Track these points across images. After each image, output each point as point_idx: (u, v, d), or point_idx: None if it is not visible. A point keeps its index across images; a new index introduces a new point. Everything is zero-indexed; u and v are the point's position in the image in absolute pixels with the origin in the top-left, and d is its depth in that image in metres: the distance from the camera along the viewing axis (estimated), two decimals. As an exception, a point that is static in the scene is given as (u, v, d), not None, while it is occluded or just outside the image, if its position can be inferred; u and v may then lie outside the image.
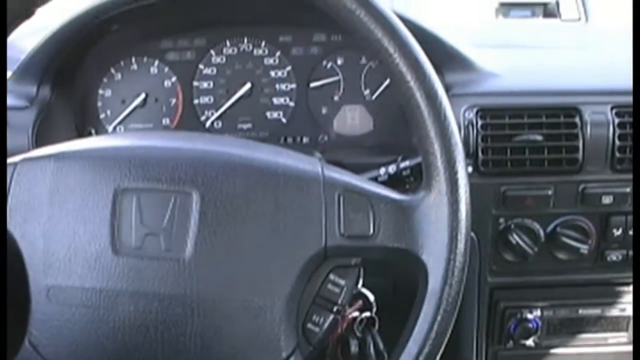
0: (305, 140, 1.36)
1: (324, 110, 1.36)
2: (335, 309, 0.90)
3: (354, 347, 1.07)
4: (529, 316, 1.34)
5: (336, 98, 1.36)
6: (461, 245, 0.84)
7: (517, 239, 1.25)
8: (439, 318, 0.84)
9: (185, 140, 0.91)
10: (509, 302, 1.34)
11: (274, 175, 0.86)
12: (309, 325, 0.90)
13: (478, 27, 1.52)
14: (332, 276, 0.90)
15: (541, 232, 1.26)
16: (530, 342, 1.36)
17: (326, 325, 0.90)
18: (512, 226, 1.26)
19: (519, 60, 1.33)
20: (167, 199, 0.85)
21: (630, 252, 1.30)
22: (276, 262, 0.84)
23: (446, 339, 0.86)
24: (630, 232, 1.27)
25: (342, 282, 0.90)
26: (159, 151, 0.88)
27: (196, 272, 0.83)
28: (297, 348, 0.86)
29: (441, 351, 0.85)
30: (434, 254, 0.85)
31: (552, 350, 1.39)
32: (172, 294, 0.83)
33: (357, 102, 1.36)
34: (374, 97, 1.35)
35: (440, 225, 0.85)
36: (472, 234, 1.24)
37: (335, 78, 1.35)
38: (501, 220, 1.26)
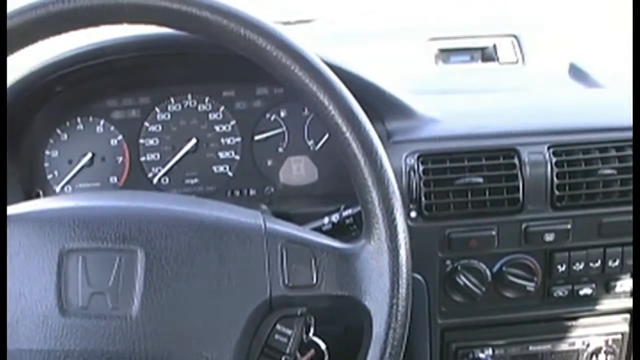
0: (252, 192, 1.39)
1: (269, 162, 1.39)
2: (283, 358, 0.92)
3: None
4: (481, 355, 1.37)
5: (281, 150, 1.38)
6: (403, 291, 0.87)
7: (465, 280, 1.28)
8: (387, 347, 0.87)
9: (129, 199, 0.93)
10: (460, 342, 1.36)
11: (217, 229, 0.88)
12: None
13: (418, 74, 1.57)
14: (279, 326, 0.92)
15: (488, 272, 1.30)
16: (483, 379, 1.38)
17: None
18: (459, 268, 1.29)
19: (458, 105, 1.37)
20: (112, 257, 0.86)
21: (576, 287, 1.34)
22: (222, 315, 0.86)
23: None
24: (574, 267, 1.31)
25: (289, 331, 0.92)
26: (102, 211, 0.90)
27: (143, 329, 0.85)
28: None
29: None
30: (377, 300, 0.88)
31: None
32: (121, 351, 0.85)
33: (302, 153, 1.39)
34: (317, 147, 1.38)
35: (382, 271, 0.88)
36: (420, 277, 1.28)
37: (279, 130, 1.38)
38: (448, 262, 1.29)
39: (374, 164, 0.88)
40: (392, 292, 0.87)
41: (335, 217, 1.16)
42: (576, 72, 1.57)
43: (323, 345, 1.11)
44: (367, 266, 0.88)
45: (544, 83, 1.54)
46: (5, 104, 1.01)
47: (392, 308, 0.87)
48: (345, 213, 1.16)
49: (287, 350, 0.92)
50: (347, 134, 0.88)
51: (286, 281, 0.88)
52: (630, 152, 1.28)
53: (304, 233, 0.92)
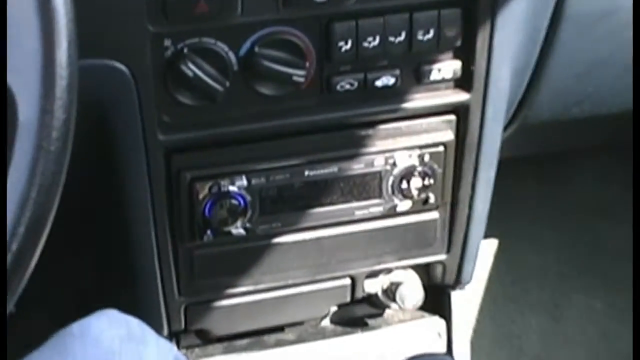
0: None
1: None
2: None
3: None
4: (231, 188, 1.09)
5: None
6: (62, 56, 0.72)
7: (196, 69, 0.99)
8: (40, 158, 0.73)
9: None
10: (197, 170, 1.07)
11: None
12: None
13: None
14: None
15: (232, 56, 1.02)
16: (238, 228, 1.10)
17: None
18: (186, 50, 0.99)
19: None
20: None
21: (369, 76, 1.07)
22: None
23: (58, 192, 0.73)
24: (365, 44, 1.03)
25: None
26: None
27: None
28: None
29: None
30: (22, 72, 0.73)
31: (274, 240, 1.15)
32: None
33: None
34: None
35: (30, 33, 0.72)
36: (123, 67, 0.99)
37: None
38: (167, 42, 0.99)
39: None
40: (44, 58, 0.72)
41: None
42: None
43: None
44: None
45: None
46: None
47: (45, 82, 0.72)
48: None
49: None
50: None
51: None
52: None
53: None
